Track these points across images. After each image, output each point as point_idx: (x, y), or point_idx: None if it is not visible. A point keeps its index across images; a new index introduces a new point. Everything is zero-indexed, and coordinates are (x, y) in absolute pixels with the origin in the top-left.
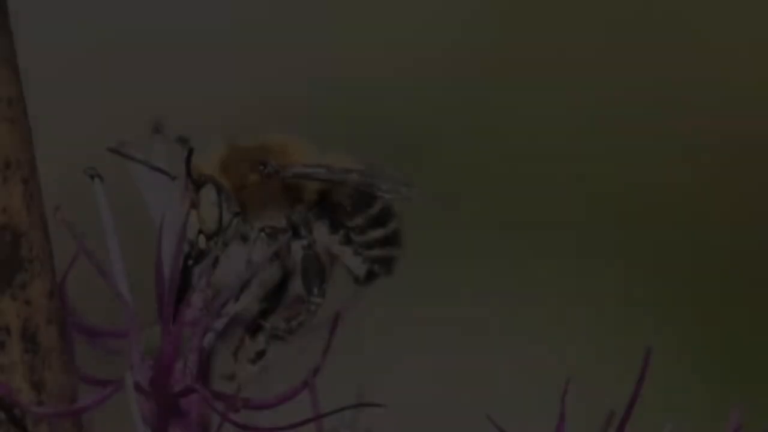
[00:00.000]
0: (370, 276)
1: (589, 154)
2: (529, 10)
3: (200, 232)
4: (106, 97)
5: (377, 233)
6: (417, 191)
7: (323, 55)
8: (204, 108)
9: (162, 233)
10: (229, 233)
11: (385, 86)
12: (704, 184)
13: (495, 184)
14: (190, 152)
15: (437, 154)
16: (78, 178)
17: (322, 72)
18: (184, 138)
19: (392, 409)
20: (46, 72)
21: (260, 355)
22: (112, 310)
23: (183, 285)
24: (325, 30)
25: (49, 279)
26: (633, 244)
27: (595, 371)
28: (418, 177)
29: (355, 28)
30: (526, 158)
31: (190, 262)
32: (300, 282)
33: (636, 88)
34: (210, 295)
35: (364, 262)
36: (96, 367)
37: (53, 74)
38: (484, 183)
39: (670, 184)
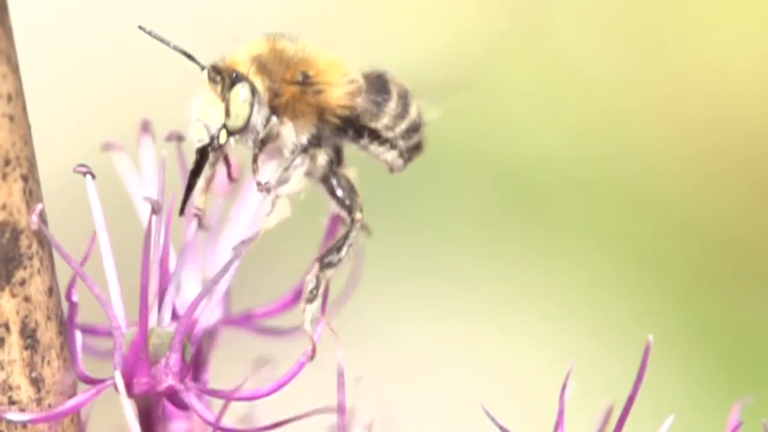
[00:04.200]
0: (407, 163)
1: (588, 151)
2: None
3: (223, 126)
4: (106, 95)
5: (404, 124)
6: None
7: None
8: None
9: (149, 232)
10: (266, 133)
11: None
12: (708, 180)
13: (496, 182)
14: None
15: (438, 151)
16: (75, 175)
17: None
18: (179, 134)
19: (389, 406)
20: (45, 69)
21: (313, 292)
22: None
23: (196, 174)
24: (326, 26)
25: (49, 275)
26: (634, 239)
27: (594, 366)
28: (417, 175)
29: (355, 25)
30: (526, 156)
31: (209, 151)
32: (336, 205)
33: (636, 87)
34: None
35: (401, 155)
36: (95, 364)
37: (53, 71)
38: (485, 182)
39: (673, 181)
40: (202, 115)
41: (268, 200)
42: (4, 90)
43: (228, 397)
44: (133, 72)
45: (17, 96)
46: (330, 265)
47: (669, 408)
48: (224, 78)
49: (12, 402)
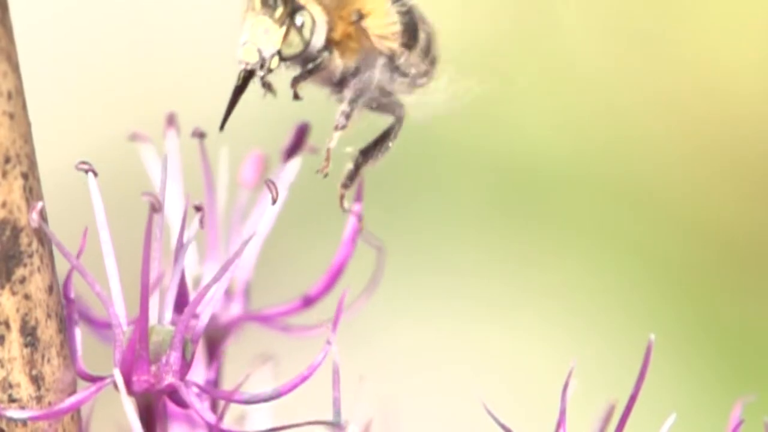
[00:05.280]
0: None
1: (589, 150)
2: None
3: (278, 52)
4: (107, 93)
5: (425, 65)
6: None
7: None
8: (202, 105)
9: (150, 228)
10: (316, 64)
11: None
12: (709, 179)
13: (497, 180)
14: None
15: (439, 148)
16: (76, 173)
17: None
18: (201, 132)
19: (389, 404)
20: (45, 67)
21: (350, 179)
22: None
23: (239, 93)
24: None
25: (49, 273)
26: (636, 237)
27: (596, 365)
28: (418, 173)
29: None
30: (528, 154)
31: (256, 74)
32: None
33: (637, 86)
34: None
35: (414, 88)
36: (96, 361)
37: (53, 69)
38: (486, 180)
39: (674, 180)
40: (255, 38)
41: (342, 112)
42: (5, 88)
43: (228, 397)
44: (133, 70)
45: (17, 94)
46: (372, 157)
47: (670, 407)
48: (284, 3)
49: (12, 400)
